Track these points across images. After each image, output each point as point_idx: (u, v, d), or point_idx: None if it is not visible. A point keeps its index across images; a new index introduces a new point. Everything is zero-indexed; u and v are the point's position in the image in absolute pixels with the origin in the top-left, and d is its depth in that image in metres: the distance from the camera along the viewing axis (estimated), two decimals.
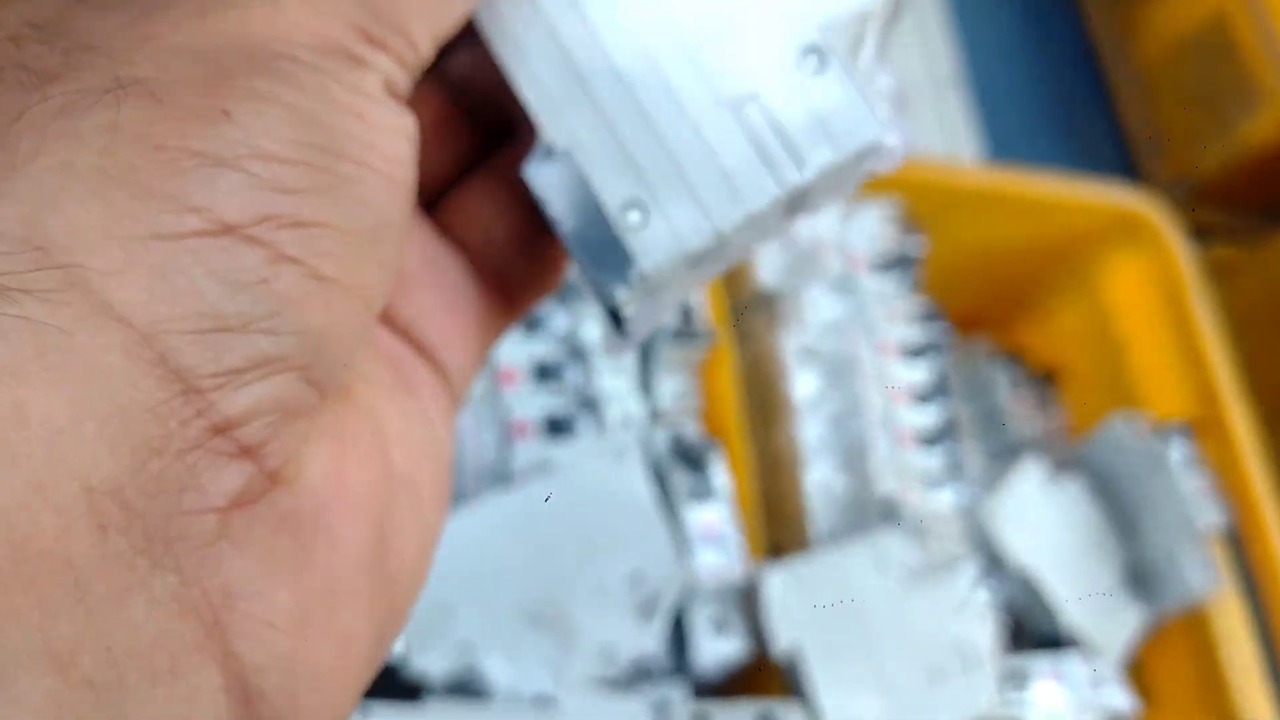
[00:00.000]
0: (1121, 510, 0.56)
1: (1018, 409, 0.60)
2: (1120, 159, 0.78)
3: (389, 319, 0.21)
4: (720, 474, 0.47)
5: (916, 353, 0.54)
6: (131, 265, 0.15)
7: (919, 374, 0.54)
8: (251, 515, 0.16)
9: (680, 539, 0.45)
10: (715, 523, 0.46)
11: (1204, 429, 0.56)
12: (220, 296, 0.15)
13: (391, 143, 0.18)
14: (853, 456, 0.51)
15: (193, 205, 0.15)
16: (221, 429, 0.15)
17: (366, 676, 0.18)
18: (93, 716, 0.14)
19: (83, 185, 0.15)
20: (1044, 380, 0.62)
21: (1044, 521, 0.55)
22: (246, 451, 0.16)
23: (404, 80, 0.18)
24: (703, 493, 0.46)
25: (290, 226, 0.16)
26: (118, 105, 0.16)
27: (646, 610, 0.43)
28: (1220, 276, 0.74)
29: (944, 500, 0.52)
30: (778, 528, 0.51)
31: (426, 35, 0.18)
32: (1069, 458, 0.58)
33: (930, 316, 0.56)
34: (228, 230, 0.15)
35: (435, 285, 0.22)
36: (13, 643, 0.13)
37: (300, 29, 0.17)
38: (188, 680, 0.15)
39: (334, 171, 0.17)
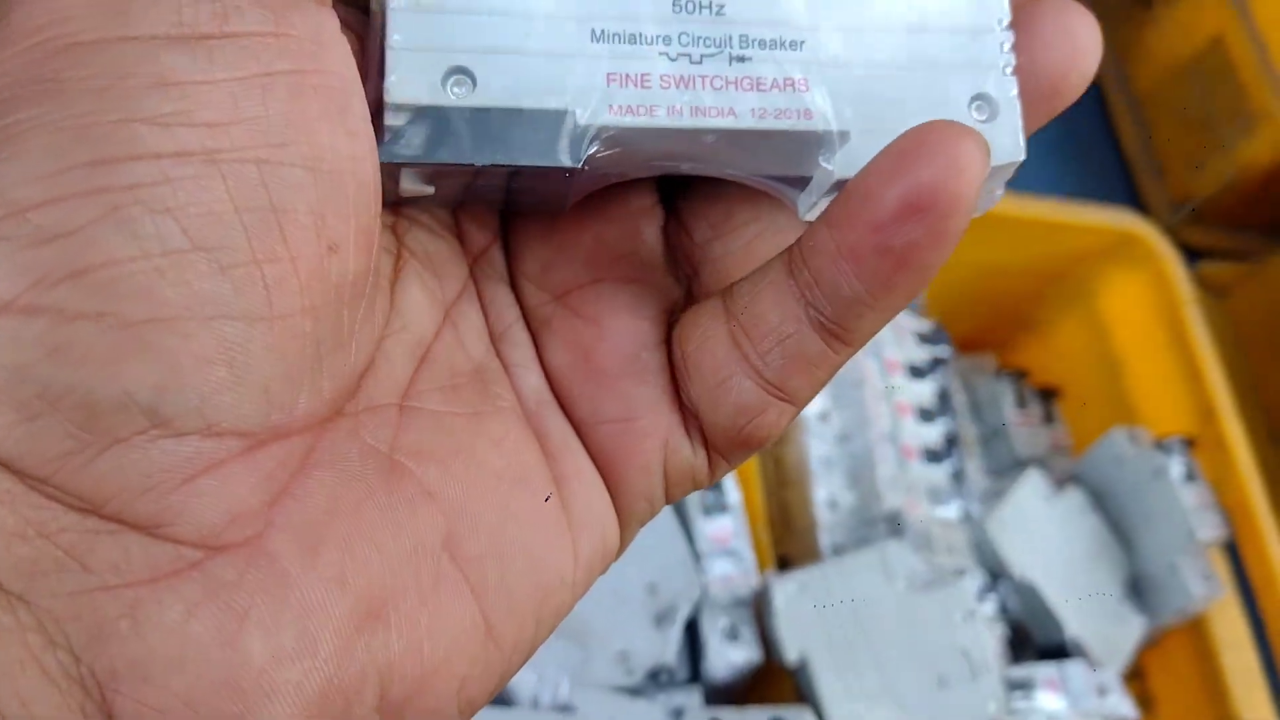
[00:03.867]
0: (1122, 523, 0.58)
1: (1020, 425, 0.62)
2: (1121, 180, 0.80)
3: (566, 402, 0.20)
4: (732, 488, 0.49)
5: (922, 371, 0.56)
6: None
7: (924, 391, 0.56)
8: (168, 589, 0.15)
9: (694, 551, 0.47)
10: (727, 535, 0.47)
11: (1201, 443, 0.57)
12: (10, 384, 0.14)
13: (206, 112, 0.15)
14: (860, 471, 0.53)
15: None
16: (91, 509, 0.15)
17: None
18: None
19: None
20: (1046, 397, 0.64)
21: (1046, 533, 0.56)
22: (139, 526, 0.15)
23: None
24: (716, 506, 0.48)
25: (70, 278, 0.14)
26: None
27: (663, 619, 0.45)
28: (1220, 295, 0.75)
29: (949, 513, 0.54)
30: (787, 540, 0.53)
31: None
32: (1070, 472, 0.60)
33: (935, 336, 0.58)
34: (2, 310, 0.14)
35: (636, 388, 0.20)
36: None
37: None
38: None
39: (116, 187, 0.14)
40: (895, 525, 0.51)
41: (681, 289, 0.21)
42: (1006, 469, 0.61)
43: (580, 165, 0.18)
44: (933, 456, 0.54)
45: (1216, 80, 0.76)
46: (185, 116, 0.15)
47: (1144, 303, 0.60)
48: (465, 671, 0.17)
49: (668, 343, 0.20)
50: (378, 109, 0.18)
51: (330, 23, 0.16)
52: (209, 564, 0.15)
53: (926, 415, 0.55)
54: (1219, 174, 0.77)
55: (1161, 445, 0.57)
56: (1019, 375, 0.64)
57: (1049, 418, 0.63)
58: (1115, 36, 0.83)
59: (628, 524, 0.20)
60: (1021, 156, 0.19)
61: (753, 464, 0.51)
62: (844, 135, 0.19)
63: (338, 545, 0.16)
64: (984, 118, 0.19)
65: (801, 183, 0.20)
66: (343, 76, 0.16)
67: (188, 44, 0.15)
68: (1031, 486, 0.57)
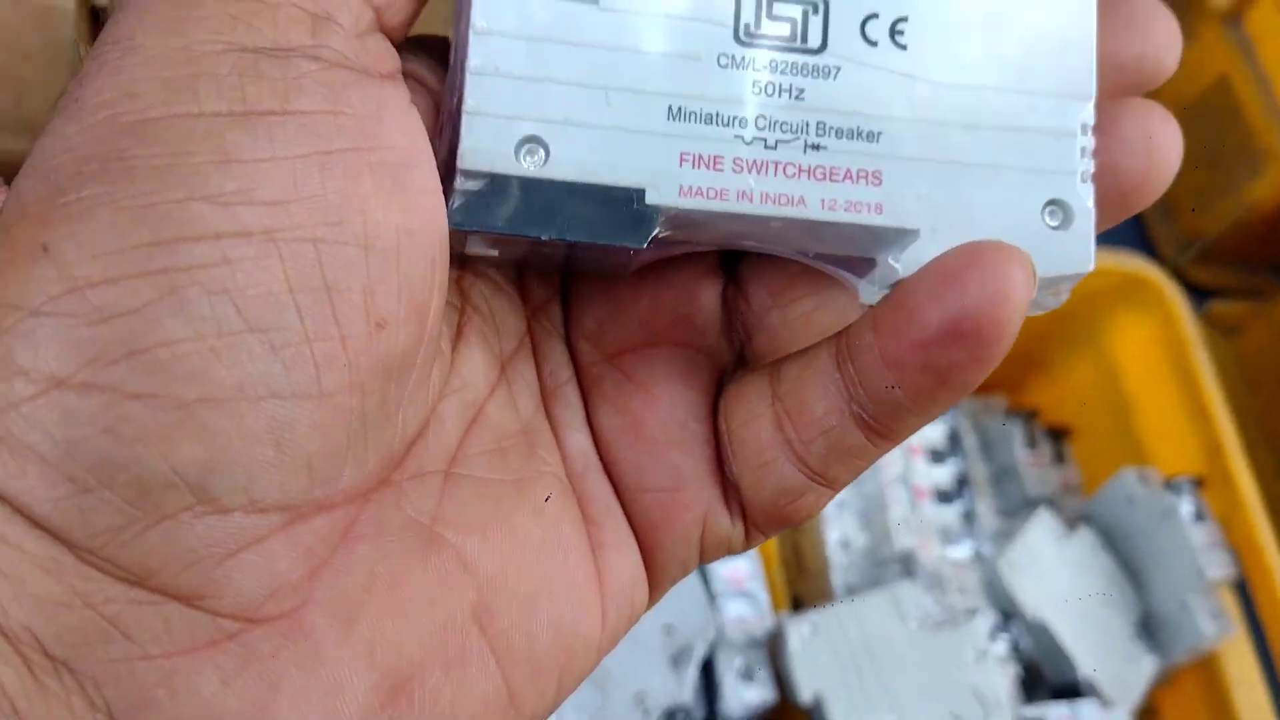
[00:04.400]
0: (1133, 562, 0.58)
1: (1031, 465, 0.63)
2: (1130, 219, 0.81)
3: (612, 466, 0.20)
4: None
5: None
6: None
7: (935, 433, 0.57)
8: (206, 660, 0.15)
9: (709, 592, 0.48)
10: (743, 577, 0.48)
11: (1210, 483, 0.58)
12: (65, 459, 0.14)
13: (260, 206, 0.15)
14: (872, 512, 0.54)
15: (20, 368, 0.14)
16: (137, 581, 0.15)
17: None
18: None
19: None
20: (1056, 437, 0.64)
21: (1058, 573, 0.57)
22: (182, 598, 0.15)
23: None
24: None
25: (126, 358, 0.15)
26: None
27: (679, 660, 0.46)
28: (1229, 333, 0.76)
29: (960, 553, 0.55)
30: (801, 581, 0.54)
31: None
32: (1081, 512, 0.61)
33: None
34: (57, 385, 0.14)
35: (682, 458, 0.20)
36: None
37: None
38: None
39: (176, 268, 0.15)
40: (908, 566, 0.52)
41: (733, 352, 0.21)
42: (1017, 509, 0.62)
43: (645, 246, 0.18)
44: (944, 497, 0.55)
45: (1223, 120, 0.77)
46: (246, 195, 0.15)
47: (1152, 344, 0.61)
48: None
49: (714, 413, 0.20)
50: (449, 168, 0.18)
51: (393, 96, 0.17)
52: (247, 636, 0.16)
53: (937, 456, 0.56)
54: (1227, 213, 0.78)
55: (1171, 485, 0.58)
56: (1029, 415, 0.64)
57: (1060, 457, 0.64)
58: None
59: (658, 586, 0.20)
60: (1090, 267, 0.19)
61: None
62: (913, 233, 0.19)
63: (371, 621, 0.17)
64: (1056, 224, 0.19)
65: (863, 264, 0.20)
66: (403, 150, 0.16)
67: (249, 121, 0.15)
68: (1043, 526, 0.57)
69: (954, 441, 0.56)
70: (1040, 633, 0.55)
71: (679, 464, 0.20)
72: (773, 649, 0.49)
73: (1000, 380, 0.66)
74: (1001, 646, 0.54)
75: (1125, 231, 0.79)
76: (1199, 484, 0.58)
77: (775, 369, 0.19)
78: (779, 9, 0.19)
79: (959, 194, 0.19)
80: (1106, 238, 0.70)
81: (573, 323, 0.21)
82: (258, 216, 0.15)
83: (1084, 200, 0.19)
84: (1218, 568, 0.56)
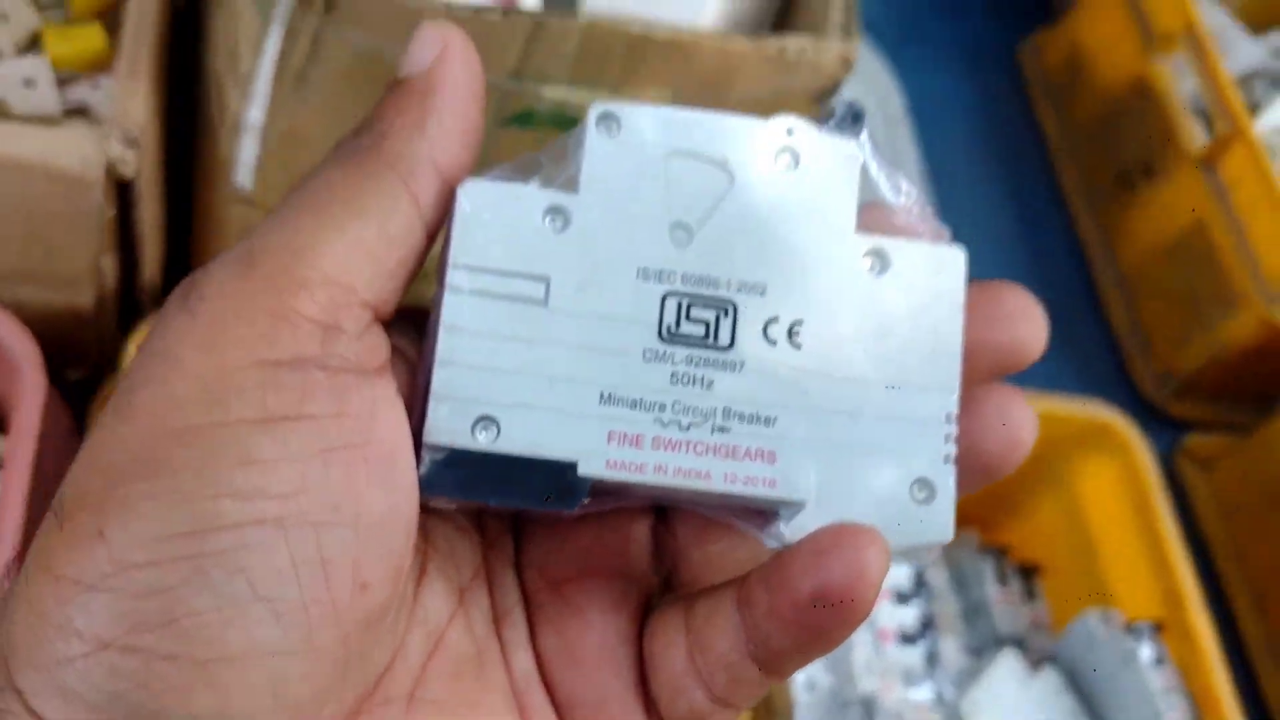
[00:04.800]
0: (1095, 702, 0.60)
1: (1002, 602, 0.65)
2: (1109, 353, 0.83)
3: (550, 683, 0.23)
4: None
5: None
6: (45, 687, 0.18)
7: (900, 574, 0.59)
8: None
9: None
10: None
11: (1170, 628, 0.60)
12: (107, 705, 0.18)
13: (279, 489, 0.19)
14: (837, 654, 0.56)
15: (76, 630, 0.18)
16: None
17: None
18: None
19: (21, 615, 0.19)
20: (1026, 574, 0.67)
21: (1021, 713, 0.59)
22: None
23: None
24: None
25: (160, 627, 0.18)
26: (43, 531, 0.19)
27: None
28: (1207, 467, 0.78)
29: (922, 695, 0.57)
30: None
31: None
32: (1048, 651, 0.63)
33: None
34: (105, 647, 0.18)
35: (609, 679, 0.23)
36: None
37: None
38: None
39: (204, 554, 0.18)
40: (869, 709, 0.54)
41: (661, 577, 0.25)
42: (987, 646, 0.63)
43: (574, 511, 0.22)
44: (907, 639, 0.58)
45: (1199, 261, 0.79)
46: (262, 490, 0.19)
47: (1116, 489, 0.64)
48: None
49: (640, 635, 0.23)
50: (418, 436, 0.21)
51: (384, 391, 0.20)
52: None
53: (902, 597, 0.58)
54: (1204, 349, 0.80)
55: (1132, 629, 0.60)
56: (1000, 552, 0.67)
57: (1030, 594, 0.66)
58: (1103, 216, 0.87)
59: None
60: (948, 538, 0.22)
61: None
62: (799, 505, 0.22)
63: None
64: (922, 498, 0.22)
65: (761, 518, 0.23)
66: (390, 444, 0.20)
67: (268, 426, 0.19)
68: (1007, 668, 0.59)
69: (919, 583, 0.59)
70: None
71: (607, 684, 0.23)
72: None
73: (973, 517, 0.69)
74: None
75: (1105, 368, 0.82)
76: (1159, 628, 0.60)
77: (690, 604, 0.23)
78: (696, 313, 0.22)
79: (841, 471, 0.22)
80: (1082, 372, 0.72)
81: (522, 554, 0.25)
82: (272, 507, 0.19)
83: (946, 479, 0.22)
84: (1175, 713, 0.57)
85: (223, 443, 0.19)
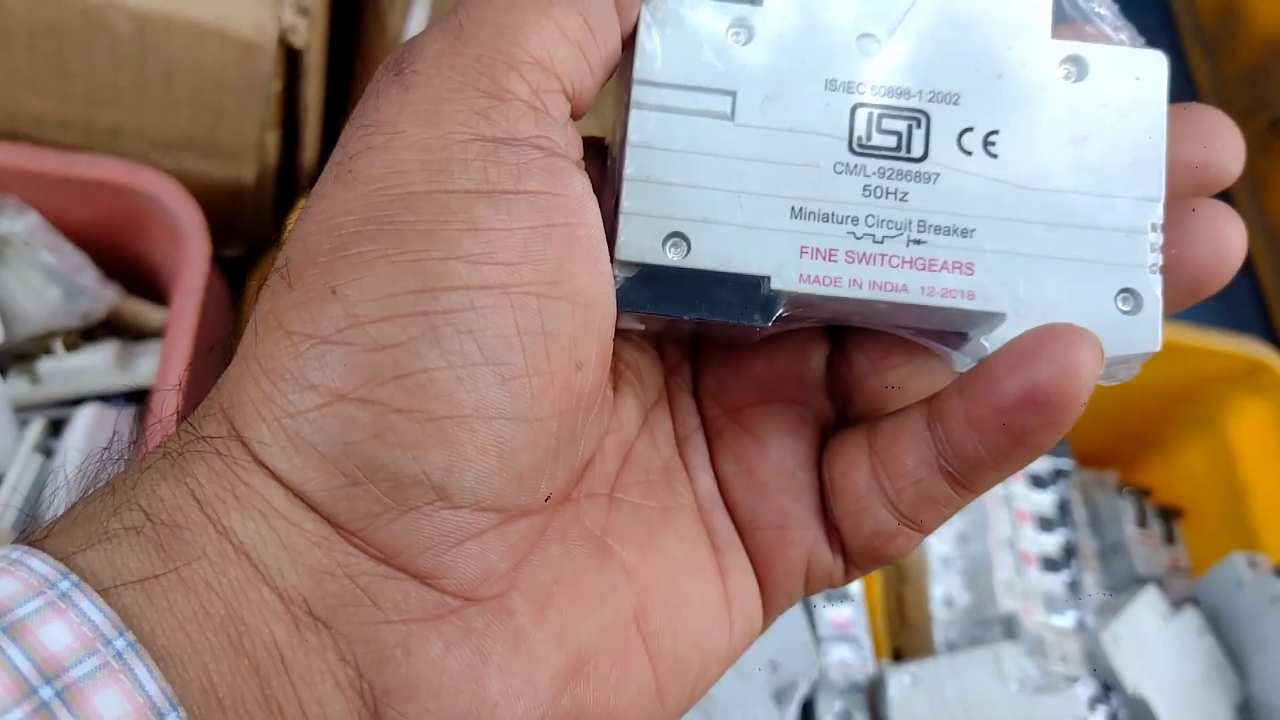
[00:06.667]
0: (1236, 646, 0.58)
1: (1140, 543, 0.63)
2: (1255, 306, 0.81)
3: (731, 505, 0.23)
4: None
5: (1043, 481, 0.58)
6: (275, 438, 0.18)
7: (1044, 501, 0.58)
8: (434, 629, 0.18)
9: (815, 634, 0.50)
10: (848, 622, 0.50)
11: None
12: (340, 456, 0.18)
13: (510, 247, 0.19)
14: (977, 573, 0.55)
15: (310, 383, 0.18)
16: (385, 559, 0.18)
17: None
18: None
19: (248, 372, 0.19)
20: (1167, 517, 0.65)
21: (1161, 651, 0.57)
22: (418, 576, 0.19)
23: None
24: (838, 594, 0.50)
25: (394, 380, 0.18)
26: (271, 292, 0.19)
27: (782, 696, 0.48)
28: None
29: (1064, 621, 0.55)
30: (902, 634, 0.55)
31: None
32: (1188, 593, 0.61)
33: (1057, 448, 0.60)
34: (340, 398, 0.18)
35: (790, 503, 0.23)
36: (231, 699, 0.17)
37: None
38: None
39: (436, 311, 0.18)
40: (1010, 628, 0.53)
41: (836, 410, 0.24)
42: (1124, 585, 0.62)
43: (769, 327, 0.21)
44: (1050, 565, 0.56)
45: None
46: (489, 256, 0.19)
47: (1270, 431, 0.62)
48: None
49: (819, 463, 0.23)
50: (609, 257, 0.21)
51: (586, 184, 0.20)
52: (465, 611, 0.19)
53: (1046, 524, 0.57)
54: None
55: None
56: (1141, 493, 0.65)
57: (1170, 538, 0.64)
58: (1250, 165, 0.84)
59: (770, 612, 0.24)
60: (1157, 348, 0.22)
61: None
62: (1000, 316, 0.21)
63: (559, 609, 0.20)
64: (1128, 309, 0.21)
65: (957, 338, 0.22)
66: (598, 229, 0.20)
67: (492, 198, 0.19)
68: (1149, 603, 0.58)
69: (1063, 512, 0.57)
70: (1139, 708, 0.55)
71: (787, 508, 0.23)
72: (872, 696, 0.50)
73: (1114, 457, 0.67)
74: (1099, 717, 0.54)
75: (1247, 315, 0.79)
76: None
77: (873, 426, 0.22)
78: (887, 124, 0.22)
79: (1042, 283, 0.22)
80: (1227, 322, 0.70)
81: (700, 381, 0.25)
82: (497, 274, 0.19)
83: (1153, 289, 0.22)
84: None
85: (450, 209, 0.19)
